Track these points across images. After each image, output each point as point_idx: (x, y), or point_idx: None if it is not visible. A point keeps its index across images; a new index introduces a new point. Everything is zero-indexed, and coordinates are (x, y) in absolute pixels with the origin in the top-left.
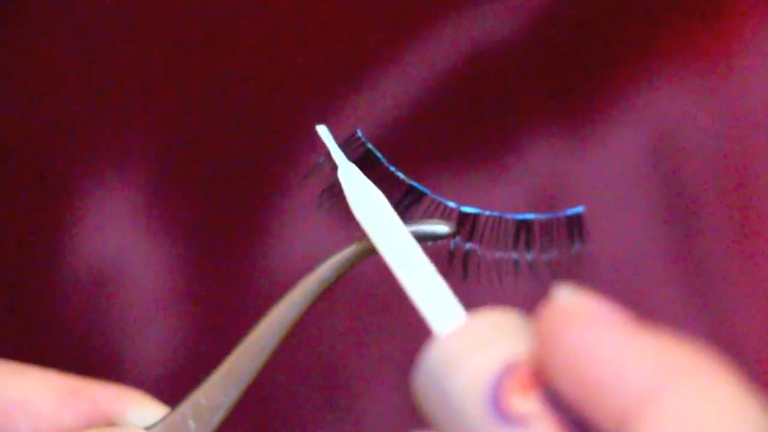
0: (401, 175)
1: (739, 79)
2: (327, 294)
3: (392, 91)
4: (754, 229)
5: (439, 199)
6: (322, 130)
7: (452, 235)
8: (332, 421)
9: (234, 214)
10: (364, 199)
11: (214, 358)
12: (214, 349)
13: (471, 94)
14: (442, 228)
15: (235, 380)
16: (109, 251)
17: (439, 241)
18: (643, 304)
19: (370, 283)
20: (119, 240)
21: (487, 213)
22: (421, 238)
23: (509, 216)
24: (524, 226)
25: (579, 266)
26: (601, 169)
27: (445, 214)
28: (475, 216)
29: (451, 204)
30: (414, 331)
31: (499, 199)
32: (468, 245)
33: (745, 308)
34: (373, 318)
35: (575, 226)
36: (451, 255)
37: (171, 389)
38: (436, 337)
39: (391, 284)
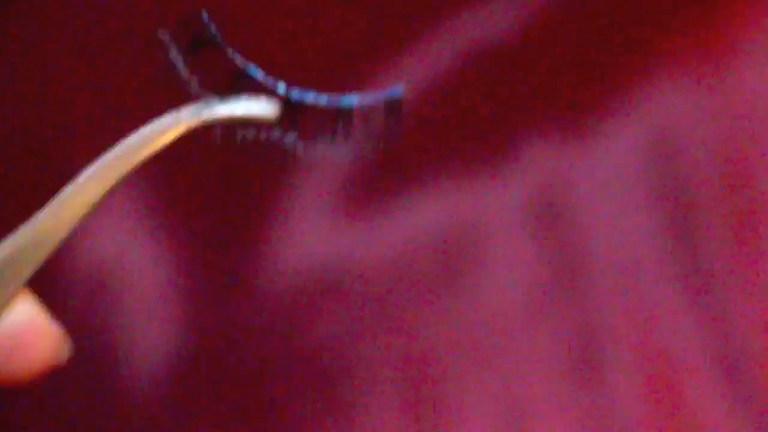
0: (236, 58)
1: (739, 79)
2: (327, 295)
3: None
4: (754, 229)
5: (266, 81)
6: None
7: (276, 119)
8: (332, 421)
9: (234, 213)
10: None
11: (214, 359)
12: (214, 349)
13: (470, 95)
14: (266, 108)
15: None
16: (109, 251)
17: (263, 126)
18: (643, 304)
19: (369, 283)
20: (119, 240)
21: (309, 99)
22: (248, 119)
23: (329, 103)
24: (344, 112)
25: (393, 151)
26: (601, 169)
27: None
28: (299, 103)
29: (280, 88)
30: (414, 331)
31: (499, 198)
32: (290, 136)
33: (745, 308)
34: (373, 317)
35: (393, 110)
36: (272, 144)
37: (171, 390)
38: None
39: (391, 284)
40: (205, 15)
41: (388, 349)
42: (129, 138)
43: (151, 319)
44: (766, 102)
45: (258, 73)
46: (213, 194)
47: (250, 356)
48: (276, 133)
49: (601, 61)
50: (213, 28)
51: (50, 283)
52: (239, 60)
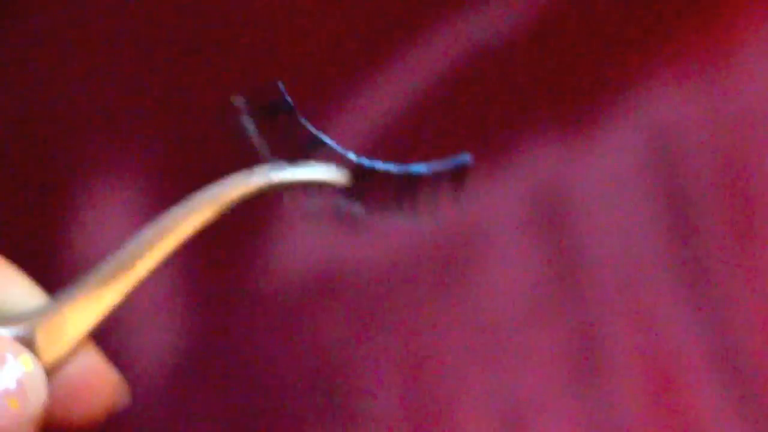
0: (309, 126)
1: (739, 79)
2: (327, 295)
3: (392, 92)
4: (754, 229)
5: (338, 149)
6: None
7: (347, 185)
8: (332, 421)
9: (234, 214)
10: None
11: (213, 359)
12: (214, 349)
13: (470, 95)
14: (338, 174)
15: (102, 302)
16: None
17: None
18: (643, 304)
19: (370, 283)
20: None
21: (380, 166)
22: (318, 183)
23: (398, 171)
24: (412, 180)
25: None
26: (601, 169)
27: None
28: (369, 170)
29: (351, 156)
30: (414, 331)
31: (499, 198)
32: (355, 205)
33: (745, 308)
34: (373, 318)
35: (459, 177)
36: (339, 209)
37: (171, 390)
38: None
39: (391, 284)
40: (282, 85)
41: (388, 349)
42: (196, 195)
43: (151, 318)
44: (766, 102)
45: (329, 141)
46: None
47: (250, 357)
48: (342, 201)
49: (601, 61)
50: (288, 98)
51: (51, 282)
52: (311, 128)
